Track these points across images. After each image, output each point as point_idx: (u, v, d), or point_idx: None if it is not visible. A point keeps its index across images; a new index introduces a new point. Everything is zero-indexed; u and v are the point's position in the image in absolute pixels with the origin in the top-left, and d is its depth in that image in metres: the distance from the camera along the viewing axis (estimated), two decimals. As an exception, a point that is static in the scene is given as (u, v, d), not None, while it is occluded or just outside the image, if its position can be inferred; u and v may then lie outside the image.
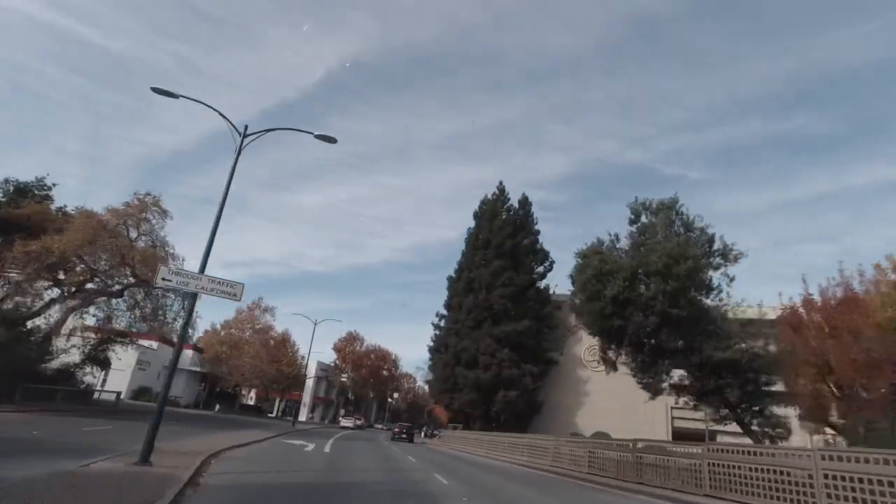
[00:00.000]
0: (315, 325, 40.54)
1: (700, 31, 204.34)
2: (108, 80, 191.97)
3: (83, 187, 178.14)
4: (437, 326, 45.01)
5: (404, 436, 47.87)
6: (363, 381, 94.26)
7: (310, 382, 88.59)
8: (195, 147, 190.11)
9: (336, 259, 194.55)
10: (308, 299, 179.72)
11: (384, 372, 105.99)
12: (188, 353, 65.42)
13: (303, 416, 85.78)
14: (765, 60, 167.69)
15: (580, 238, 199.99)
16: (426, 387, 70.26)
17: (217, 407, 64.69)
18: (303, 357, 69.77)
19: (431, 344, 45.54)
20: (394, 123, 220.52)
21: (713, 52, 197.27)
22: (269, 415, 79.67)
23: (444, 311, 45.20)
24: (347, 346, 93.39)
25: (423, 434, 69.06)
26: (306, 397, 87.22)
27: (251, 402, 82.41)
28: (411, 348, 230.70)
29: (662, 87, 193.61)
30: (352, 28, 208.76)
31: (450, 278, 44.71)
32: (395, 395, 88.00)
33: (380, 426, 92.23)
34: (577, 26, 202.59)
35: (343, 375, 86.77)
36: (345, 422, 58.53)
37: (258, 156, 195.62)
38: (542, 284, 42.71)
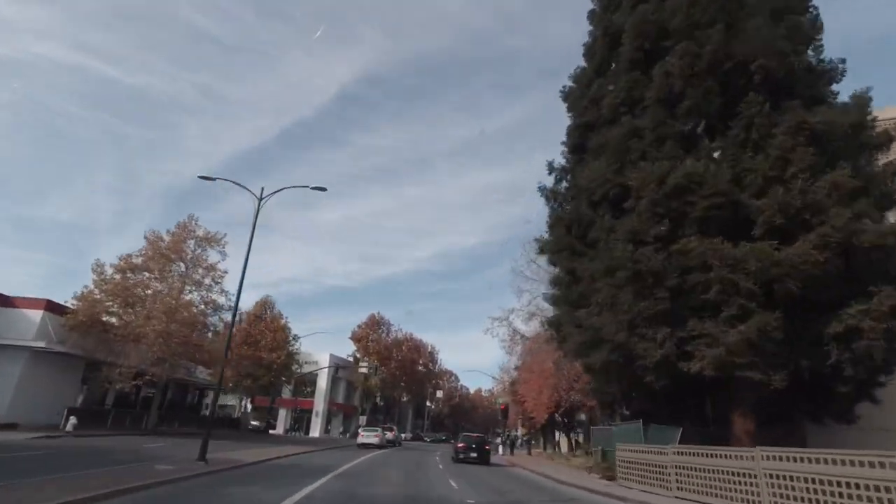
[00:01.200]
0: (260, 201, 16.58)
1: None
2: (133, 114, 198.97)
3: (118, 219, 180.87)
4: (551, 194, 20.59)
5: (473, 455, 27.80)
6: (392, 380, 71.07)
7: (322, 385, 65.90)
8: (219, 170, 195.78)
9: (360, 273, 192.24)
10: (334, 314, 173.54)
11: (420, 367, 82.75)
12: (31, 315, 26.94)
13: (316, 431, 62.99)
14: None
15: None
16: (510, 376, 46.03)
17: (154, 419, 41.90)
18: (296, 338, 46.81)
19: (544, 238, 21.72)
20: (410, 134, 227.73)
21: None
22: (272, 431, 57.19)
23: (564, 161, 20.84)
24: (370, 334, 70.41)
25: (501, 447, 45.42)
26: (319, 404, 64.46)
27: (246, 414, 59.43)
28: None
29: None
30: (364, 43, 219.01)
31: (573, 90, 20.03)
32: (439, 394, 64.31)
33: (426, 438, 68.61)
34: (585, 19, 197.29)
35: (363, 366, 62.64)
36: (366, 436, 34.96)
37: (281, 174, 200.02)
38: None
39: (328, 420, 65.84)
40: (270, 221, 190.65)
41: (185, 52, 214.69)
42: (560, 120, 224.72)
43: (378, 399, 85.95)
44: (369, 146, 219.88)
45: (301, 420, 65.01)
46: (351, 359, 70.98)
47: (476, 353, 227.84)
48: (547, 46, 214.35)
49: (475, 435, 31.42)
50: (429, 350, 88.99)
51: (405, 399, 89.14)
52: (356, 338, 69.78)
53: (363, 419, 65.97)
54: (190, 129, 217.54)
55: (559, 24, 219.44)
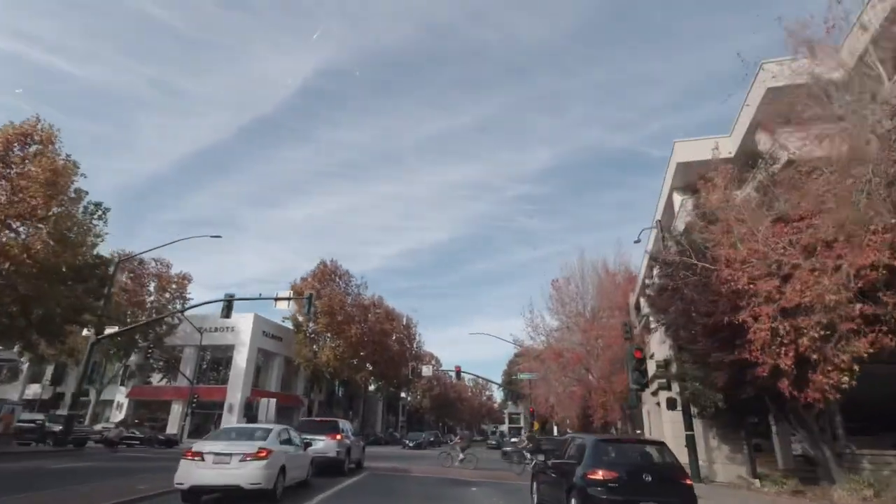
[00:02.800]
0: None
1: (674, 10, 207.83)
2: (80, 107, 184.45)
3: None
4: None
5: None
6: (353, 355, 48.56)
7: (240, 362, 43.09)
8: (176, 169, 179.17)
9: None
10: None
11: (393, 343, 60.42)
12: None
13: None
14: (740, 36, 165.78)
15: (571, 230, 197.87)
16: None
17: None
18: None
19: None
20: (377, 129, 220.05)
21: (689, 30, 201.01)
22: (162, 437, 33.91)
23: None
24: (319, 288, 47.72)
25: (526, 460, 22.88)
26: (235, 393, 41.51)
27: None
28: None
29: (646, 70, 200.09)
30: (327, 36, 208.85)
31: None
32: (425, 370, 41.61)
33: (409, 442, 45.43)
34: (553, 14, 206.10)
35: (285, 295, 39.76)
36: (208, 459, 9.88)
37: (244, 172, 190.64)
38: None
39: (252, 418, 42.95)
40: (235, 220, 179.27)
41: (137, 42, 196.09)
42: (528, 120, 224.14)
43: (338, 388, 63.54)
44: (335, 142, 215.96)
45: (209, 419, 42.00)
46: (290, 325, 48.11)
47: (453, 351, 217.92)
48: (514, 43, 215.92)
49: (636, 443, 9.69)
50: (404, 322, 66.83)
51: (374, 388, 66.88)
52: (298, 291, 46.90)
53: (299, 421, 43.31)
54: (144, 124, 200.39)
55: (526, 19, 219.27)
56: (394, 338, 62.21)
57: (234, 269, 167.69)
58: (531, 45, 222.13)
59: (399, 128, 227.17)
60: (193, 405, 36.68)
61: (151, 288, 40.95)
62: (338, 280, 50.30)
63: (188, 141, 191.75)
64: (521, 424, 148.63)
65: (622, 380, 34.37)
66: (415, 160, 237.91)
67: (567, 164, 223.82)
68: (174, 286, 41.08)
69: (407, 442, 43.63)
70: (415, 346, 68.33)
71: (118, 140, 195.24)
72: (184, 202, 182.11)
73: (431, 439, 49.95)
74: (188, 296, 41.58)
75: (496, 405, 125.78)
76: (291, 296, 22.09)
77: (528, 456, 20.59)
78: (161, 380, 47.14)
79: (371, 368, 57.22)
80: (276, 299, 21.74)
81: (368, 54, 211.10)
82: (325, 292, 47.40)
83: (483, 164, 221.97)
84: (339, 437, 15.49)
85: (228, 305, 22.08)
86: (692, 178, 21.77)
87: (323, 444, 14.94)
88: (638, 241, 23.27)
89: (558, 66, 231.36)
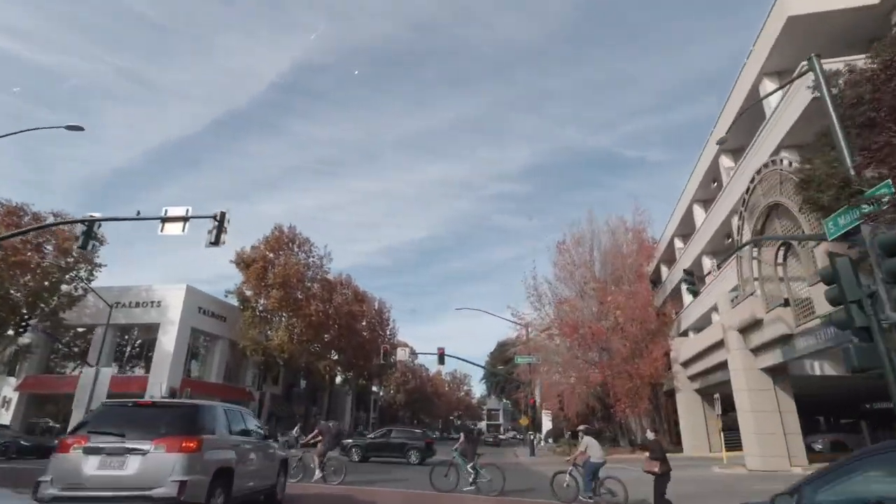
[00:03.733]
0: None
1: (655, 12, 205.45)
2: (42, 96, 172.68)
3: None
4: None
5: None
6: (313, 337, 40.32)
7: (166, 346, 34.70)
8: (145, 161, 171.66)
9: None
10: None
11: (363, 330, 52.29)
12: None
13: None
14: (718, 38, 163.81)
15: (549, 228, 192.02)
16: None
17: None
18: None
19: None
20: (358, 125, 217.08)
21: (669, 32, 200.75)
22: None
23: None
24: (272, 258, 39.35)
25: (471, 475, 13.84)
26: (156, 386, 32.86)
27: None
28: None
29: (625, 71, 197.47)
30: (307, 29, 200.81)
31: None
32: (400, 353, 33.64)
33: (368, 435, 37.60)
34: (537, 14, 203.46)
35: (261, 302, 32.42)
36: None
37: (216, 167, 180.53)
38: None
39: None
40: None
41: (104, 29, 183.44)
42: (507, 118, 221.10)
43: (301, 380, 55.12)
44: (313, 137, 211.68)
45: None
46: (234, 300, 39.42)
47: (429, 348, 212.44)
48: (496, 41, 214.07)
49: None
50: (376, 307, 58.63)
51: (341, 381, 58.55)
52: (246, 261, 38.27)
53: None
54: (110, 114, 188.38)
55: (509, 17, 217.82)
56: (364, 323, 54.08)
57: (206, 266, 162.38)
58: (513, 44, 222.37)
59: (380, 124, 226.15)
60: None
61: (51, 248, 31.79)
62: (296, 249, 41.84)
63: (157, 133, 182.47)
64: (500, 421, 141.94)
65: (652, 360, 27.26)
66: (394, 157, 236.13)
67: (547, 163, 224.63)
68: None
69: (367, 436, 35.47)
70: (388, 332, 60.17)
71: (83, 130, 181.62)
72: (154, 195, 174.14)
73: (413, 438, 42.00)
74: (98, 261, 32.60)
75: (475, 401, 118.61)
76: (189, 214, 13.83)
77: (474, 470, 12.08)
78: (75, 369, 37.92)
79: (337, 357, 49.04)
80: (164, 219, 13.63)
81: (348, 48, 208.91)
82: (279, 262, 38.99)
83: (464, 162, 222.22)
84: (190, 445, 6.81)
85: (87, 232, 13.82)
86: (803, 47, 14.53)
87: (139, 465, 5.99)
88: (723, 142, 15.85)
89: (539, 65, 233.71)
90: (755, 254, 17.28)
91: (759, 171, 16.27)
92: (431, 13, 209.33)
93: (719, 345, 21.83)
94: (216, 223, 13.85)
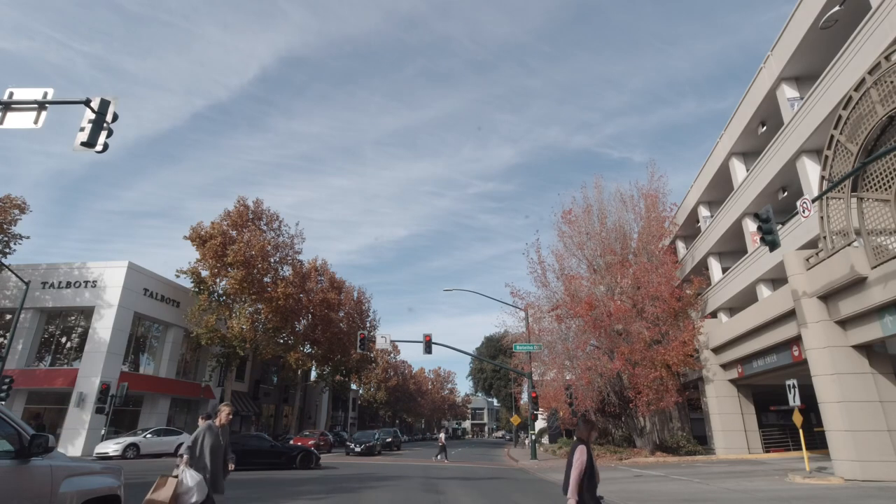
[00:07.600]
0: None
1: (638, 13, 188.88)
2: (7, 83, 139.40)
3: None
4: None
5: None
6: (282, 324, 35.24)
7: (102, 332, 29.39)
8: (119, 156, 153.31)
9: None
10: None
11: (339, 321, 47.25)
12: None
13: (77, 444, 26.11)
14: (699, 41, 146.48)
15: (531, 226, 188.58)
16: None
17: None
18: None
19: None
20: (338, 121, 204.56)
21: (651, 34, 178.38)
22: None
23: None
24: (233, 235, 34.27)
25: None
26: (85, 382, 27.57)
27: None
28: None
29: (605, 72, 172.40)
30: (287, 21, 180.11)
31: None
32: (380, 340, 28.89)
33: (355, 447, 31.68)
34: (519, 11, 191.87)
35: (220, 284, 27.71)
36: None
37: (194, 162, 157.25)
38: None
39: (112, 419, 29.14)
40: (181, 211, 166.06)
41: (74, 15, 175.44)
42: (490, 117, 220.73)
43: (273, 376, 50.17)
44: (292, 133, 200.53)
45: (52, 415, 27.70)
46: (188, 281, 34.08)
47: (417, 349, 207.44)
48: (479, 38, 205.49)
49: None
50: (355, 297, 53.51)
51: (315, 380, 53.31)
52: (202, 237, 32.99)
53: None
54: (79, 105, 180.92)
55: (491, 14, 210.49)
56: (341, 314, 49.00)
57: (180, 262, 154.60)
58: (496, 41, 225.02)
59: (360, 121, 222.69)
60: (3, 396, 22.44)
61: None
62: (263, 227, 36.64)
63: (131, 127, 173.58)
64: (485, 420, 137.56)
65: (679, 345, 22.96)
66: (375, 155, 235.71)
67: (529, 161, 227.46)
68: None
69: (352, 445, 30.47)
70: (367, 324, 55.07)
71: (52, 121, 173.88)
72: (128, 191, 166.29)
73: (388, 440, 37.24)
74: (15, 231, 27.07)
75: (459, 400, 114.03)
76: (49, 98, 8.99)
77: None
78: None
79: (311, 350, 43.94)
80: (7, 105, 8.78)
81: (330, 42, 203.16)
82: (242, 239, 33.78)
83: (446, 160, 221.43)
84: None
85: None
86: None
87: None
88: (829, 26, 11.41)
89: (523, 63, 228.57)
90: (856, 190, 13.00)
91: (871, 72, 11.98)
92: (415, 8, 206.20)
93: (779, 320, 17.57)
94: (95, 114, 8.99)
